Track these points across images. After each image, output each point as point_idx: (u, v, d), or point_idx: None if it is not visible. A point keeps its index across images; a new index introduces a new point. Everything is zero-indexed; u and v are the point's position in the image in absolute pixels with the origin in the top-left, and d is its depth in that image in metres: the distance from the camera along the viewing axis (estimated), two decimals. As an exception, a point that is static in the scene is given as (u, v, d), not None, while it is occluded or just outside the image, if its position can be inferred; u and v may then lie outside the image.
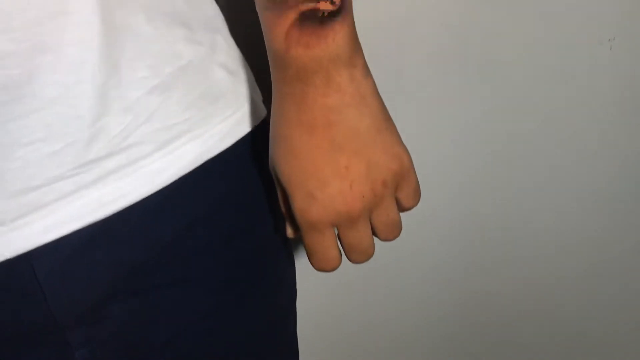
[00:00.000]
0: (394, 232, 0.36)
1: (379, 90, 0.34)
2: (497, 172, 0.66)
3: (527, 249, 0.72)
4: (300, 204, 0.34)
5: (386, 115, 0.34)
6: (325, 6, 0.30)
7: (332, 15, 0.30)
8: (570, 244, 0.72)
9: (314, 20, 0.30)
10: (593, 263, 0.74)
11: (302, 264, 0.46)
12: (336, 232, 0.35)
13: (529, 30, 0.58)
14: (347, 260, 0.37)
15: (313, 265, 0.37)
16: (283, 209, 0.37)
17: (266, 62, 0.34)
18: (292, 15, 0.30)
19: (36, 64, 0.29)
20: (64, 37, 0.29)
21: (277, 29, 0.31)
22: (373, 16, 0.52)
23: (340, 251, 0.36)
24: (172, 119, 0.34)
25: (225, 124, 0.36)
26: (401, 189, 0.35)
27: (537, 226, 0.70)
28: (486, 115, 0.62)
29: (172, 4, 0.34)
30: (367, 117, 0.32)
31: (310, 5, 0.30)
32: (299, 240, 0.37)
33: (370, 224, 0.35)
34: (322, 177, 0.33)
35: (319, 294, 0.66)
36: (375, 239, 0.36)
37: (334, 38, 0.30)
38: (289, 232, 0.37)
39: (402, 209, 0.36)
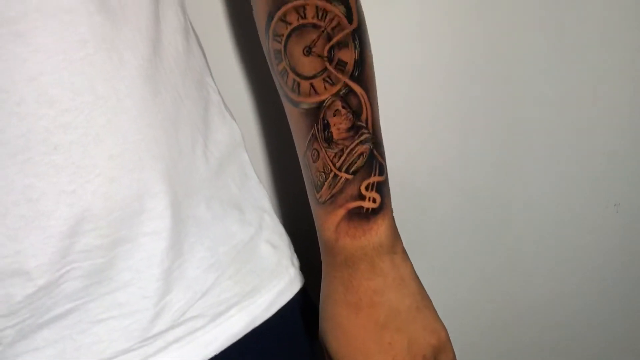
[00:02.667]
0: None
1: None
2: (506, 331, 0.68)
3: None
4: None
5: (424, 294, 0.36)
6: (369, 204, 0.34)
7: (375, 211, 0.34)
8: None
9: (360, 215, 0.34)
10: None
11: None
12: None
13: (540, 195, 0.62)
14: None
15: None
16: None
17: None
18: (341, 212, 0.34)
19: (115, 254, 0.33)
20: (140, 230, 0.33)
21: (328, 222, 0.35)
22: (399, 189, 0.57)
23: None
24: (224, 293, 0.37)
25: (270, 294, 0.39)
26: None
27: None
28: (496, 272, 0.65)
29: (228, 191, 0.39)
30: (408, 297, 0.35)
31: (356, 204, 0.34)
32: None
33: None
34: (367, 353, 0.35)
35: None
36: None
37: (377, 230, 0.34)
38: None
39: None
